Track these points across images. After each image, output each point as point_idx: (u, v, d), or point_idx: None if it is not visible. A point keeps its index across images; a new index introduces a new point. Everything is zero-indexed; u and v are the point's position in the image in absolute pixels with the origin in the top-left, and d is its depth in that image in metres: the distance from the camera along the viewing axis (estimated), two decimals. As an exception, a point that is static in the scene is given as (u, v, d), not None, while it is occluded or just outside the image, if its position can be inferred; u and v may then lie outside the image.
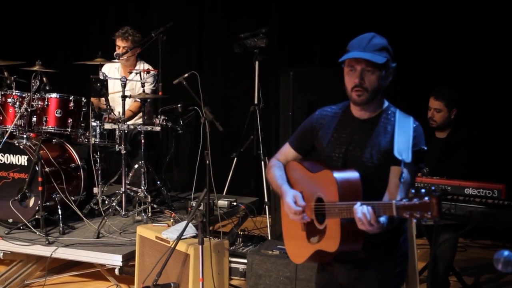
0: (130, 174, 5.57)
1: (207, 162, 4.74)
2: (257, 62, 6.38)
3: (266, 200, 6.10)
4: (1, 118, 5.29)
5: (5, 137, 5.08)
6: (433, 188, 2.40)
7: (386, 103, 2.73)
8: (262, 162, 6.20)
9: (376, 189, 2.59)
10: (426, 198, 2.25)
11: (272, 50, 6.77)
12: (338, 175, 2.58)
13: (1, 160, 5.13)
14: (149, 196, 5.43)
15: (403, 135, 2.58)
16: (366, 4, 6.89)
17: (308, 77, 5.86)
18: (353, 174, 2.59)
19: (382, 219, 2.43)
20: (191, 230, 4.24)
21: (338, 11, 7.04)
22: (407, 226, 2.80)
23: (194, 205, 5.04)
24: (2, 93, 5.31)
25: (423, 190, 2.29)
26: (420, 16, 6.65)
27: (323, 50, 7.07)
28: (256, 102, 6.40)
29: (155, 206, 5.45)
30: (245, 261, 4.67)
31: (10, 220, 5.00)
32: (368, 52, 2.59)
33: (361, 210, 2.41)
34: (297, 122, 4.52)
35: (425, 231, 4.82)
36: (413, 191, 2.31)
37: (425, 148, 2.65)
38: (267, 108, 6.62)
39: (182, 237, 4.10)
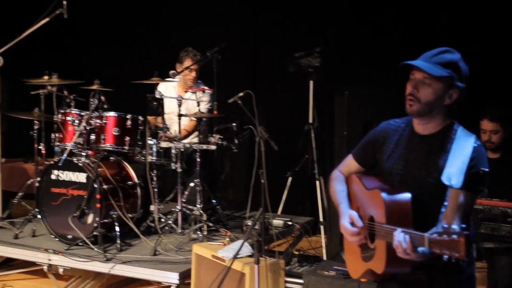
0: (186, 192, 5.60)
1: (262, 181, 4.73)
2: (311, 82, 6.38)
3: (321, 220, 6.06)
4: (61, 136, 5.39)
5: (65, 155, 5.17)
6: (463, 226, 2.28)
7: (454, 123, 2.66)
8: (317, 182, 6.17)
9: (432, 210, 2.49)
10: (455, 236, 2.15)
11: (326, 69, 6.75)
12: (386, 196, 2.52)
13: (61, 177, 5.22)
14: (204, 214, 5.45)
15: (460, 155, 2.48)
16: (421, 22, 6.82)
17: (363, 96, 5.81)
18: (404, 196, 2.52)
19: (422, 248, 2.31)
20: (246, 249, 4.23)
21: (394, 30, 6.99)
22: (472, 250, 2.69)
23: (249, 224, 5.04)
24: (62, 111, 5.43)
25: (454, 227, 2.19)
26: (472, 36, 6.54)
27: (379, 69, 7.02)
28: (310, 121, 6.39)
29: (210, 224, 5.47)
30: (300, 281, 4.63)
31: (70, 236, 5.08)
32: (429, 63, 2.54)
33: (398, 238, 2.35)
34: (352, 141, 4.48)
35: (485, 254, 4.71)
36: (444, 225, 2.23)
37: (486, 170, 2.52)
38: (322, 128, 6.59)
39: (238, 256, 4.10)
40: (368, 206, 2.67)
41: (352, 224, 2.67)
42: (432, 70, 2.52)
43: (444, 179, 2.43)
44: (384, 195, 2.52)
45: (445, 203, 2.40)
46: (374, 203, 2.59)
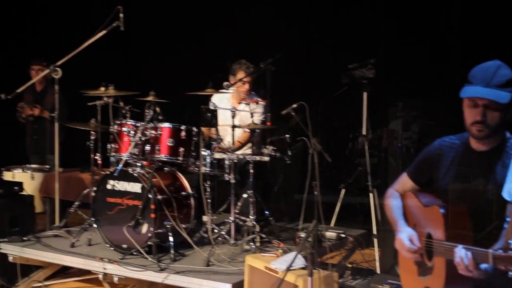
0: (239, 203, 5.61)
1: (316, 193, 4.70)
2: (365, 93, 6.33)
3: (374, 232, 6.00)
4: (117, 146, 5.48)
5: (121, 165, 5.24)
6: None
7: (507, 134, 2.62)
8: (371, 194, 6.11)
9: (491, 226, 2.46)
10: None
11: (380, 81, 6.70)
12: (445, 213, 2.48)
13: (116, 187, 5.29)
14: (257, 226, 5.45)
15: None
16: (474, 33, 6.72)
17: (417, 108, 5.75)
18: (463, 213, 2.48)
19: (485, 265, 2.26)
20: (300, 261, 4.21)
21: (448, 42, 6.90)
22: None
23: (302, 236, 5.01)
24: (118, 122, 5.51)
25: None
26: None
27: (433, 81, 6.94)
28: (364, 133, 6.34)
29: (263, 235, 5.46)
30: (354, 294, 4.59)
31: (124, 246, 5.13)
32: (492, 89, 2.48)
33: (459, 255, 2.30)
34: (406, 154, 4.46)
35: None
36: (510, 241, 2.17)
37: None
38: (376, 140, 6.54)
39: (291, 268, 4.08)
40: (426, 223, 2.63)
41: (411, 242, 2.64)
42: (500, 97, 2.47)
43: (505, 194, 2.38)
44: (443, 211, 2.48)
45: (508, 219, 2.35)
46: (432, 220, 2.56)
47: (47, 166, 7.16)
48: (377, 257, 5.88)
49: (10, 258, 5.41)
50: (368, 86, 6.29)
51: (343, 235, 5.80)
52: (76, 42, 5.96)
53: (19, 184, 6.17)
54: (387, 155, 6.01)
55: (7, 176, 6.80)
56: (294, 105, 5.27)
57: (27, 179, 6.70)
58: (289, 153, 5.79)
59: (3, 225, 5.64)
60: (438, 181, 2.72)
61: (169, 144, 5.37)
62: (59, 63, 5.91)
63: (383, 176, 6.53)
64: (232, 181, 5.44)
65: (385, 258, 5.60)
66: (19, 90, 6.20)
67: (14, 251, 5.40)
